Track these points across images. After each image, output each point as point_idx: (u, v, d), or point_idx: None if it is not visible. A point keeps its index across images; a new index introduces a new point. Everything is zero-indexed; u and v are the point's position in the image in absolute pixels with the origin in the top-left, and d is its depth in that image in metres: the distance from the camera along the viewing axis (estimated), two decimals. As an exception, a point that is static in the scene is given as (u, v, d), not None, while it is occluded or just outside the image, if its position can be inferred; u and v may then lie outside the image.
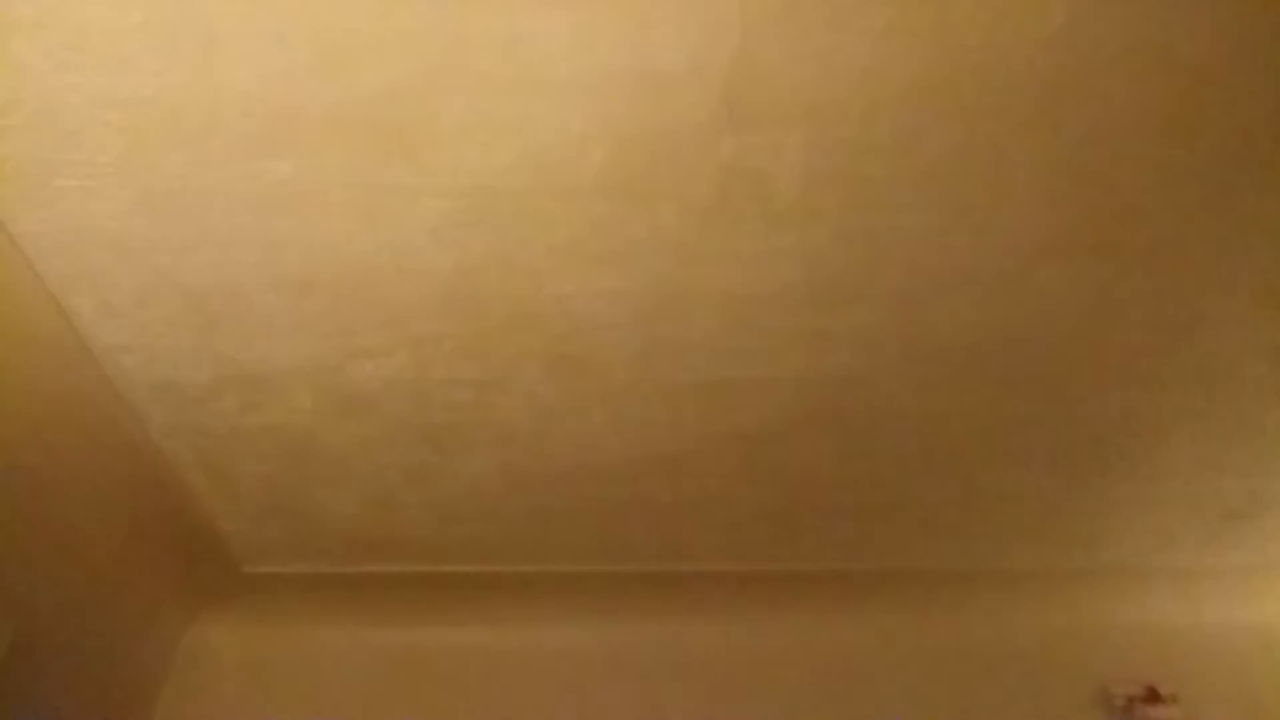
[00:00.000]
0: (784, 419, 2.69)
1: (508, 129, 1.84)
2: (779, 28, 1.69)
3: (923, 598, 3.65)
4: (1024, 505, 3.12)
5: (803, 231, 2.06)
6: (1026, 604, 3.67)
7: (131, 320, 2.29)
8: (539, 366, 2.47)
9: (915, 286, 2.23)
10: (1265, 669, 3.62)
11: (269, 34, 1.68)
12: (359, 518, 3.12)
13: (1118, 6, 1.68)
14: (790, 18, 1.68)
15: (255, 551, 3.33)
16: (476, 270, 2.16)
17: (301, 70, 1.73)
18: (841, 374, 2.51)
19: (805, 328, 2.34)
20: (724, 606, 3.64)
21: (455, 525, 3.17)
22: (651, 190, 1.97)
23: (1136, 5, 1.68)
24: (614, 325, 2.33)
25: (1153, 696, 3.51)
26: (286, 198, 1.96)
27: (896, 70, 1.75)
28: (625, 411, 2.65)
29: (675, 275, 2.18)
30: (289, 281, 2.18)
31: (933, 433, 2.76)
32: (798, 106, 1.81)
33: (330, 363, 2.45)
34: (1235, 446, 2.81)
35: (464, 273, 2.17)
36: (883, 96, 1.79)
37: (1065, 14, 1.68)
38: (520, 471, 2.90)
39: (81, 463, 2.68)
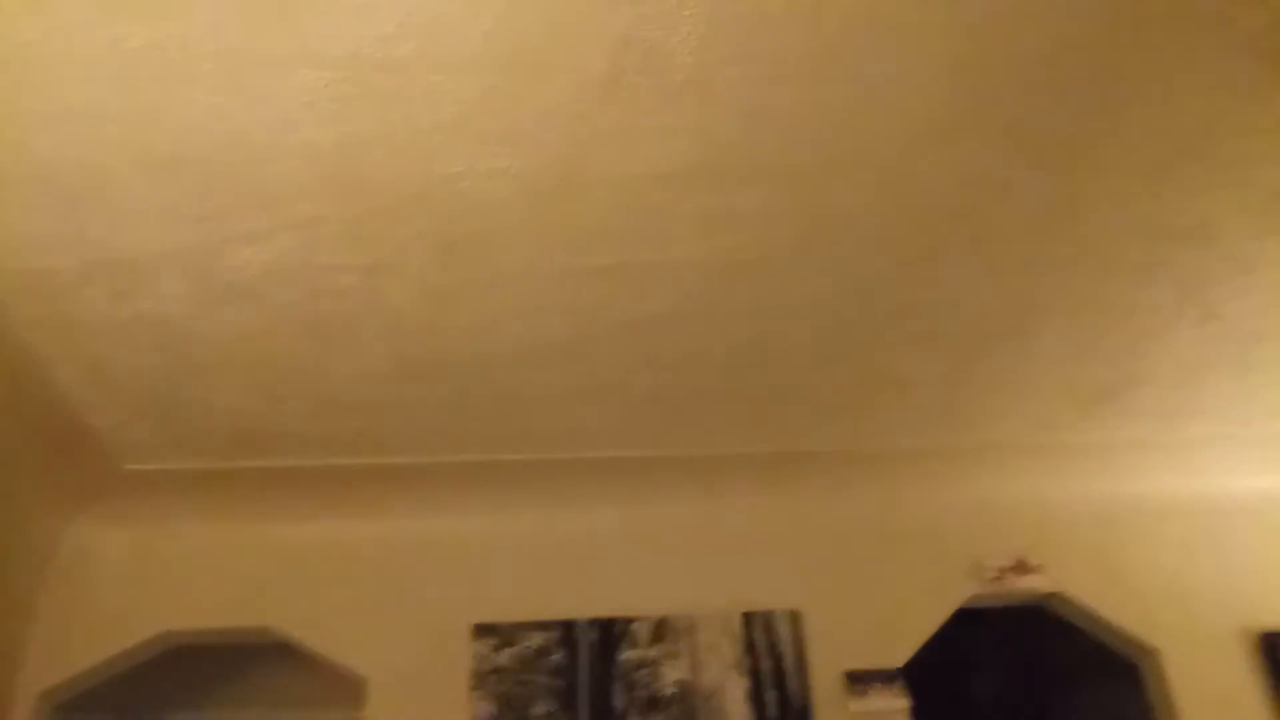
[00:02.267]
0: (679, 304, 2.68)
1: (388, -8, 1.73)
2: (675, -112, 1.62)
3: (812, 478, 3.76)
4: (910, 388, 3.22)
5: (699, 108, 2.02)
6: (909, 482, 3.82)
7: (-17, 201, 2.13)
8: (429, 250, 2.39)
9: (812, 166, 2.21)
10: (1124, 539, 3.85)
11: (120, -122, 1.53)
12: (243, 411, 3.03)
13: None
14: (687, -122, 1.61)
15: (134, 448, 3.21)
16: (359, 148, 2.06)
17: (159, -79, 1.59)
18: (737, 257, 2.51)
19: (701, 209, 2.32)
20: (621, 492, 3.69)
21: (345, 417, 3.11)
22: (543, 62, 1.90)
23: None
24: (506, 206, 2.27)
25: (1022, 567, 3.72)
26: (148, 67, 1.82)
27: (795, -62, 1.71)
28: (519, 297, 2.60)
29: (569, 153, 2.12)
30: (156, 159, 2.05)
31: (823, 317, 2.80)
32: (693, -27, 1.75)
33: (206, 247, 2.33)
34: (1110, 327, 2.92)
35: (346, 150, 2.07)
36: (780, -35, 1.75)
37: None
38: (412, 360, 2.84)
39: (-64, 357, 2.52)
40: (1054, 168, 2.27)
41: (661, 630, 3.53)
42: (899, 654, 3.56)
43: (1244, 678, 3.57)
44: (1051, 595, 3.75)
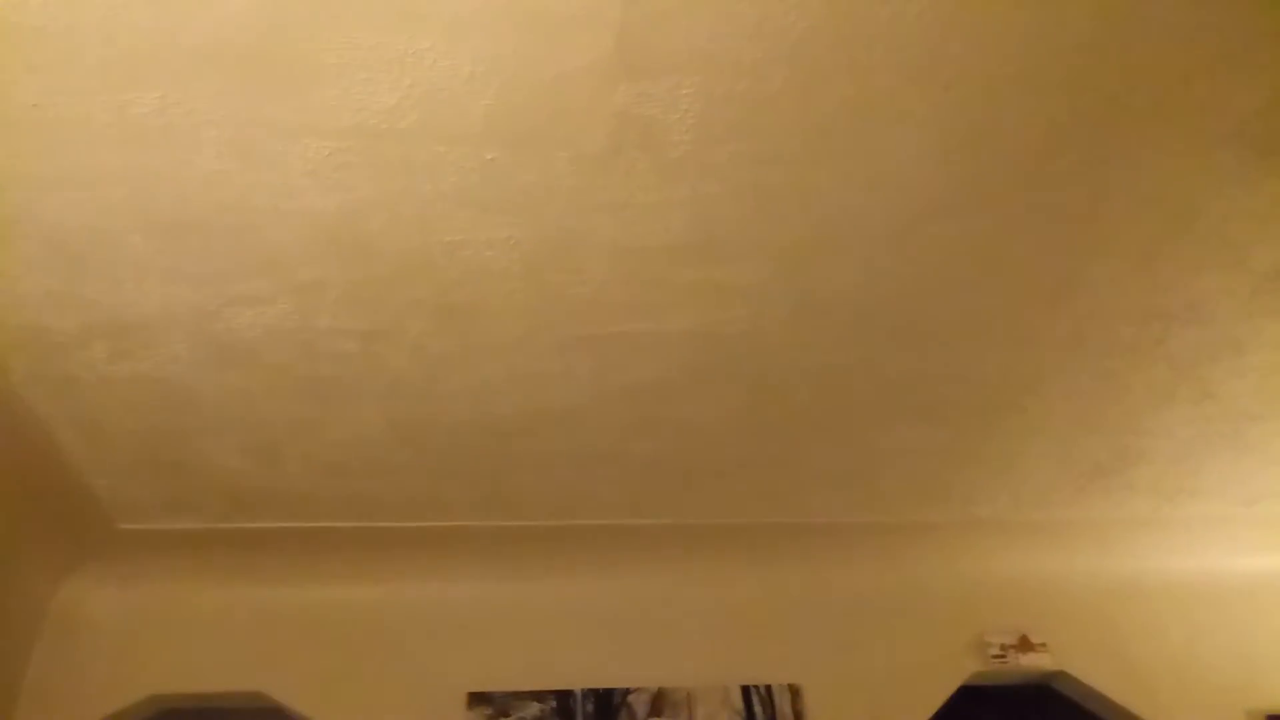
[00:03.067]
0: (676, 373, 2.69)
1: (392, 66, 1.76)
2: (673, -29, 1.66)
3: (812, 549, 3.72)
4: (908, 461, 3.21)
5: (695, 184, 2.05)
6: (909, 556, 3.78)
7: (-13, 260, 2.16)
8: (427, 316, 2.41)
9: (806, 242, 2.24)
10: (1129, 617, 3.79)
11: (132, -47, 1.58)
12: (240, 472, 3.02)
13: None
14: (685, -38, 1.65)
15: (130, 507, 3.20)
16: (361, 215, 2.09)
17: (169, -6, 1.63)
18: (733, 329, 2.52)
19: (697, 282, 2.34)
20: (617, 560, 3.65)
21: (341, 480, 3.10)
22: (543, 136, 1.93)
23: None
24: (505, 275, 2.29)
25: (1025, 644, 3.66)
26: (154, 132, 1.85)
27: (790, 21, 1.74)
28: (517, 364, 2.61)
29: (567, 225, 2.15)
30: (159, 223, 2.08)
31: (821, 389, 2.80)
32: (692, 55, 1.78)
33: (206, 309, 2.34)
34: (1105, 404, 2.93)
35: (348, 217, 2.09)
36: (776, 48, 1.78)
37: (956, -31, 1.69)
38: (409, 424, 2.84)
39: (-65, 413, 2.53)
40: (1047, 246, 2.29)
41: (660, 702, 3.47)
42: (900, 732, 3.50)
43: (1250, 760, 3.49)
44: (1056, 674, 3.69)
